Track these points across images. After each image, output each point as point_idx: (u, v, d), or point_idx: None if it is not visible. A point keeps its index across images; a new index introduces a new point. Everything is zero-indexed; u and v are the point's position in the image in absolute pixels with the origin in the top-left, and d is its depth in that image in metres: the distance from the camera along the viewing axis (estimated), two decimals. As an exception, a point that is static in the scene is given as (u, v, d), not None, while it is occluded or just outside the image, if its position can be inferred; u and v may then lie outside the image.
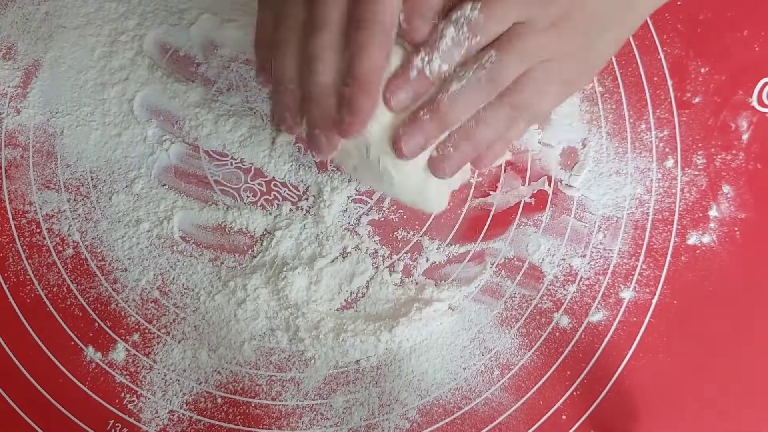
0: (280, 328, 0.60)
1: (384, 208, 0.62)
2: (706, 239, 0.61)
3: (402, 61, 0.49)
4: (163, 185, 0.62)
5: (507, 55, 0.49)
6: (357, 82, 0.47)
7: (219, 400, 0.60)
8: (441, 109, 0.49)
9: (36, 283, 0.61)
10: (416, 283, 0.61)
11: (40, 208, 0.62)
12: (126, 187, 0.62)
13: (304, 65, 0.48)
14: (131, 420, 0.60)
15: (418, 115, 0.49)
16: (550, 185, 0.62)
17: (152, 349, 0.61)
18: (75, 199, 0.62)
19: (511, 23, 0.49)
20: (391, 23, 0.47)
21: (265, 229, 0.62)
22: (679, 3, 0.62)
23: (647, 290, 0.61)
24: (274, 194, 0.62)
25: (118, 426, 0.60)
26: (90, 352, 0.61)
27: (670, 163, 0.62)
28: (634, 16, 0.54)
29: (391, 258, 0.61)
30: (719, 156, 0.62)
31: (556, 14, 0.49)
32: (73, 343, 0.61)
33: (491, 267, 0.61)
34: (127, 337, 0.61)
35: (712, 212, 0.61)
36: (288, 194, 0.62)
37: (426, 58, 0.48)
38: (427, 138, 0.50)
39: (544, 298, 0.61)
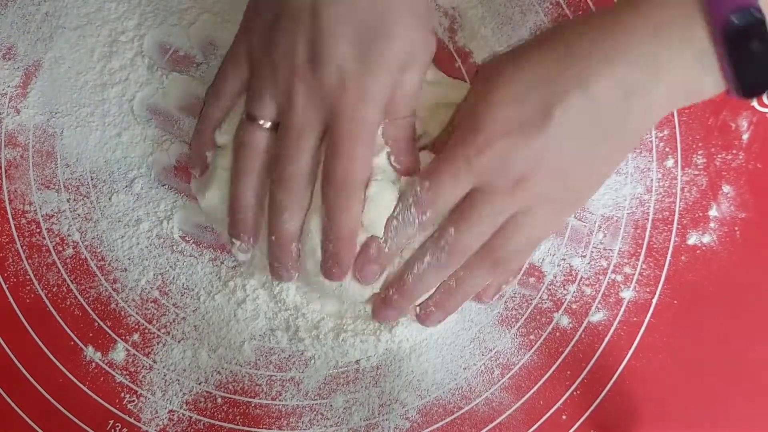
0: (279, 328, 0.60)
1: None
2: (706, 239, 0.61)
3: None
4: (163, 185, 0.62)
5: (463, 232, 0.51)
6: (341, 241, 0.52)
7: (219, 399, 0.60)
8: (408, 290, 0.54)
9: (36, 283, 0.61)
10: None
11: (40, 208, 0.62)
12: (126, 187, 0.62)
13: (269, 208, 0.53)
14: (131, 420, 0.60)
15: (388, 294, 0.54)
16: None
17: (152, 349, 0.61)
18: (75, 199, 0.62)
19: (465, 192, 0.50)
20: (365, 178, 0.51)
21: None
22: None
23: (647, 290, 0.61)
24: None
25: (118, 426, 0.60)
26: (90, 351, 0.61)
27: (670, 162, 0.62)
28: (623, 136, 0.51)
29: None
30: (719, 156, 0.62)
31: (514, 177, 0.49)
32: (72, 343, 0.60)
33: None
34: (127, 337, 0.61)
35: (713, 212, 0.61)
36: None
37: (384, 236, 0.52)
38: (400, 311, 0.55)
39: (544, 297, 0.61)
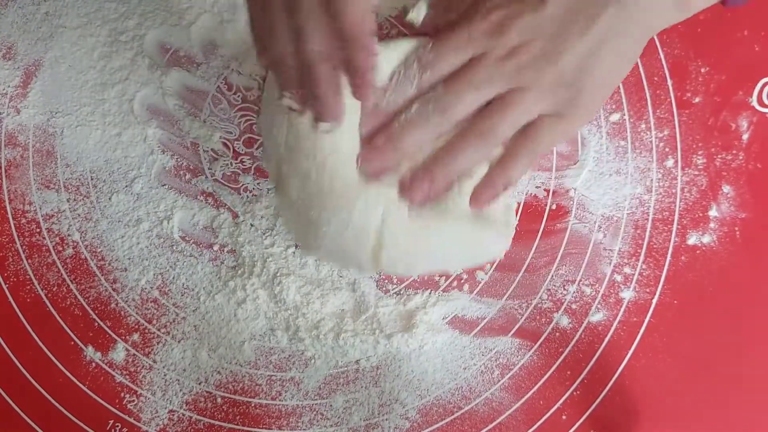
0: (279, 327, 0.60)
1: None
2: (706, 239, 0.61)
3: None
4: (163, 185, 0.62)
5: (451, 86, 0.52)
6: (349, 40, 0.49)
7: (219, 399, 0.60)
8: (393, 135, 0.53)
9: (36, 282, 0.61)
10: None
11: (40, 208, 0.62)
12: (126, 186, 0.62)
13: (294, 40, 0.50)
14: (131, 420, 0.60)
15: (376, 141, 0.54)
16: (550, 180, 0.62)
17: (152, 349, 0.61)
18: (75, 199, 0.62)
19: (465, 59, 0.52)
20: None
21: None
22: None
23: (647, 290, 0.61)
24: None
25: (118, 426, 0.60)
26: (90, 351, 0.60)
27: (670, 162, 0.62)
28: (625, 27, 0.52)
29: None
30: (719, 156, 0.62)
31: (507, 45, 0.51)
32: (72, 342, 0.60)
33: (491, 268, 0.61)
34: (127, 337, 0.61)
35: (712, 212, 0.61)
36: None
37: (381, 90, 0.53)
38: (384, 161, 0.54)
39: (544, 298, 0.61)
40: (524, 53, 0.51)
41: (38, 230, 0.62)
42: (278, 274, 0.60)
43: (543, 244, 0.61)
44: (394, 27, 0.62)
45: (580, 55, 0.51)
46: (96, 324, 0.61)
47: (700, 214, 0.61)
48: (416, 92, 0.53)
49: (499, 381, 0.60)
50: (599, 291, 0.61)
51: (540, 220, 0.61)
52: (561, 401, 0.60)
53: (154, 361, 0.60)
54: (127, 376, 0.60)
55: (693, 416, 0.59)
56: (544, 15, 0.51)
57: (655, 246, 0.61)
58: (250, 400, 0.60)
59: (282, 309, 0.60)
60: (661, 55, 0.62)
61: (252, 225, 0.61)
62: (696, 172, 0.61)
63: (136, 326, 0.61)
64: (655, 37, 0.62)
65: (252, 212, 0.62)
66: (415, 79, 0.53)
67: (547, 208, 0.62)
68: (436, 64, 0.53)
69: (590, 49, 0.51)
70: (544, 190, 0.62)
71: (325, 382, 0.60)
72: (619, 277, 0.61)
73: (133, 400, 0.60)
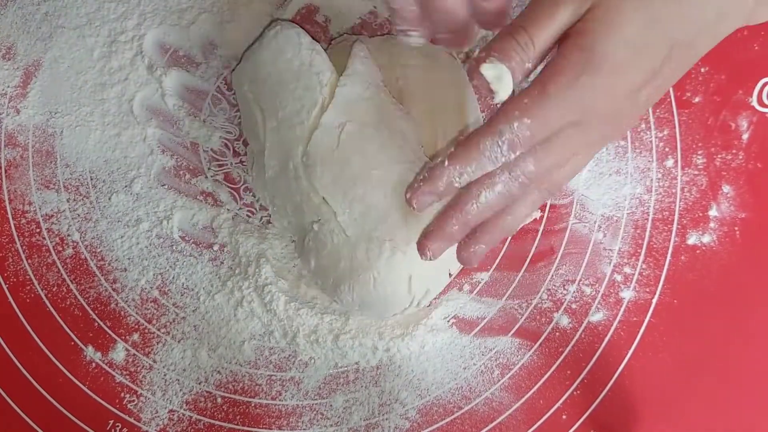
0: (277, 330, 0.60)
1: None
2: (706, 239, 0.61)
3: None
4: (163, 185, 0.62)
5: (542, 164, 0.47)
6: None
7: (219, 399, 0.60)
8: (470, 222, 0.49)
9: (36, 282, 0.61)
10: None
11: (40, 208, 0.62)
12: (125, 186, 0.62)
13: None
14: (131, 420, 0.60)
15: (445, 226, 0.50)
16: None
17: (152, 349, 0.61)
18: (74, 199, 0.62)
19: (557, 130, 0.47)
20: None
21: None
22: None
23: (647, 290, 0.60)
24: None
25: (118, 426, 0.60)
26: (90, 351, 0.61)
27: (670, 162, 0.62)
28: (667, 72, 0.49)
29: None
30: (719, 156, 0.62)
31: (606, 114, 0.47)
32: (72, 342, 0.61)
33: (491, 268, 0.61)
34: (127, 337, 0.61)
35: (712, 212, 0.61)
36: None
37: (458, 171, 0.47)
38: (452, 242, 0.51)
39: (544, 297, 0.61)
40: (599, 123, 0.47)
41: (38, 230, 0.62)
42: (268, 283, 0.60)
43: (543, 244, 0.61)
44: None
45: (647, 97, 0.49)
46: (96, 324, 0.61)
47: (700, 214, 0.61)
48: (498, 168, 0.47)
49: (499, 381, 0.60)
50: (599, 291, 0.61)
51: (540, 220, 0.61)
52: (561, 401, 0.60)
53: (154, 361, 0.60)
54: (127, 376, 0.60)
55: (693, 416, 0.59)
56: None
57: (655, 246, 0.61)
58: (250, 399, 0.60)
59: (274, 318, 0.60)
60: (661, 55, 0.62)
61: (248, 221, 0.61)
62: (696, 172, 0.61)
63: (136, 326, 0.61)
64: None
65: (251, 211, 0.62)
66: (503, 158, 0.46)
67: (547, 207, 0.62)
68: (532, 143, 0.46)
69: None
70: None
71: (325, 381, 0.60)
72: (619, 277, 0.61)
73: (133, 400, 0.60)
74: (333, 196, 0.55)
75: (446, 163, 0.48)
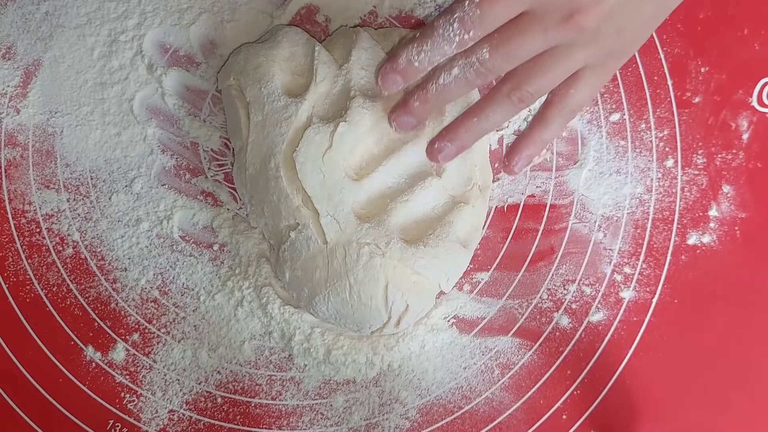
0: (276, 330, 0.60)
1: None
2: (706, 239, 0.61)
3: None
4: (163, 185, 0.62)
5: (498, 52, 0.48)
6: None
7: (219, 399, 0.60)
8: (430, 98, 0.51)
9: (35, 282, 0.61)
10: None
11: (40, 208, 0.62)
12: (126, 186, 0.62)
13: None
14: (131, 420, 0.60)
15: (409, 100, 0.52)
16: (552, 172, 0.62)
17: (152, 349, 0.61)
18: (74, 199, 0.62)
19: (515, 14, 0.47)
20: None
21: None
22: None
23: (647, 290, 0.61)
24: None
25: (117, 426, 0.60)
26: (90, 351, 0.60)
27: (670, 162, 0.62)
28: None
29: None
30: (719, 155, 0.62)
31: (570, 7, 0.46)
32: (72, 342, 0.60)
33: (492, 268, 0.61)
34: (127, 337, 0.61)
35: (713, 212, 0.61)
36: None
37: (416, 49, 0.49)
38: (418, 120, 0.53)
39: (544, 297, 0.61)
40: (585, 17, 0.46)
41: (38, 230, 0.62)
42: (267, 284, 0.60)
43: (543, 244, 0.61)
44: (395, 27, 0.63)
45: (646, 19, 0.49)
46: (96, 324, 0.61)
47: (700, 214, 0.61)
48: (456, 51, 0.48)
49: (499, 380, 0.60)
50: (599, 290, 0.61)
51: (540, 220, 0.61)
52: (561, 401, 0.60)
53: (154, 361, 0.60)
54: (127, 376, 0.60)
55: (693, 415, 0.59)
56: None
57: (655, 246, 0.61)
58: (250, 399, 0.60)
59: (271, 319, 0.60)
60: (661, 55, 0.62)
61: (248, 220, 0.61)
62: (696, 172, 0.61)
63: (136, 326, 0.61)
64: (655, 36, 0.62)
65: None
66: (456, 37, 0.47)
67: (547, 207, 0.62)
68: (483, 23, 0.47)
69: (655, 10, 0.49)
70: (544, 190, 0.62)
71: (325, 381, 0.60)
72: (619, 277, 0.61)
73: (133, 400, 0.60)
74: (319, 198, 0.54)
75: (406, 42, 0.50)
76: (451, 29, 0.47)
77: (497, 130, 0.61)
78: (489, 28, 0.47)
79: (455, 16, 0.47)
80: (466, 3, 0.47)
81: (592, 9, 0.46)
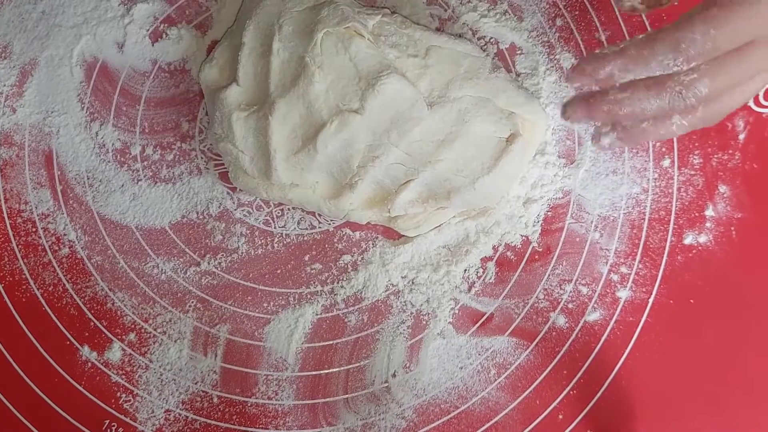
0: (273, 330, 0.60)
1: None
2: (702, 239, 0.61)
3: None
4: (160, 185, 0.62)
5: (716, 85, 0.44)
6: None
7: (215, 399, 0.60)
8: (612, 109, 0.46)
9: (31, 282, 0.61)
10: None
11: (36, 208, 0.62)
12: (122, 186, 0.62)
13: None
14: (127, 419, 0.60)
15: (593, 96, 0.46)
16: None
17: (148, 349, 0.61)
18: (71, 198, 0.62)
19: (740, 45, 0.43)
20: None
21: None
22: (676, 2, 0.62)
23: (644, 290, 0.61)
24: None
25: (113, 426, 0.59)
26: (86, 351, 0.60)
27: (666, 162, 0.62)
28: None
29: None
30: (716, 156, 0.62)
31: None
32: (68, 342, 0.60)
33: (493, 267, 0.61)
34: (123, 337, 0.61)
35: (709, 212, 0.61)
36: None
37: (625, 66, 0.44)
38: (589, 114, 0.47)
39: (541, 297, 0.61)
40: None
41: (34, 230, 0.62)
42: None
43: (540, 244, 0.61)
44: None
45: None
46: (92, 324, 0.61)
47: (697, 214, 0.61)
48: (662, 73, 0.44)
49: (495, 380, 0.60)
50: (596, 290, 0.61)
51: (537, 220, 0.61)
52: (557, 401, 0.59)
53: (150, 361, 0.60)
54: (123, 376, 0.60)
55: (689, 415, 0.59)
56: None
57: (651, 245, 0.61)
58: (246, 399, 0.60)
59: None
60: (658, 55, 0.62)
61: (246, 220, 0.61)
62: (692, 172, 0.62)
63: (132, 326, 0.61)
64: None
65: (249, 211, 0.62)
66: (675, 67, 0.43)
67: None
68: (706, 55, 0.43)
69: None
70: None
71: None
72: (615, 277, 0.61)
73: (129, 400, 0.60)
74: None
75: (615, 52, 0.44)
76: (673, 60, 0.43)
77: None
78: (710, 57, 0.43)
79: (681, 47, 0.43)
80: (698, 36, 0.42)
81: None
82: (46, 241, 0.61)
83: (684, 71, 0.44)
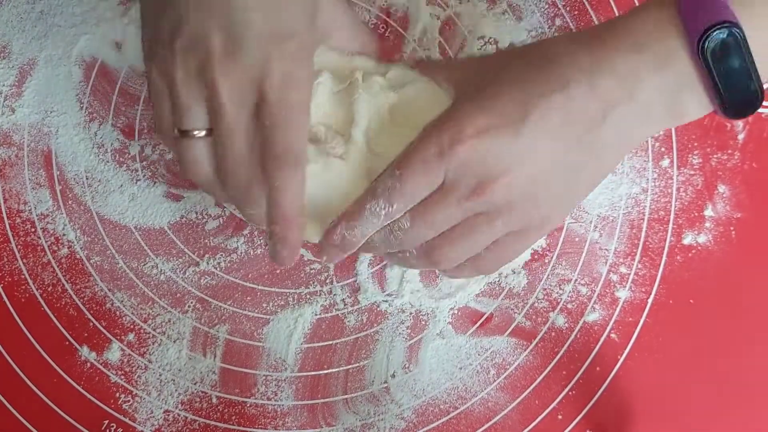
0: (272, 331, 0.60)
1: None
2: (701, 239, 0.61)
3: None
4: (160, 185, 0.62)
5: (417, 226, 0.49)
6: (285, 221, 0.48)
7: (214, 399, 0.60)
8: (349, 247, 0.51)
9: (30, 282, 0.61)
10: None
11: (35, 208, 0.62)
12: (121, 186, 0.62)
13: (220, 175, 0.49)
14: (126, 420, 0.60)
15: (332, 239, 0.51)
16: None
17: (147, 349, 0.60)
18: (70, 199, 0.62)
19: (436, 185, 0.48)
20: (303, 150, 0.48)
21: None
22: None
23: (643, 290, 0.61)
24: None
25: (113, 426, 0.59)
26: (85, 351, 0.60)
27: (666, 162, 0.62)
28: (598, 151, 0.48)
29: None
30: (715, 155, 0.62)
31: (482, 176, 0.47)
32: (67, 342, 0.60)
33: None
34: (122, 337, 0.61)
35: (708, 212, 0.61)
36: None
37: (349, 225, 0.50)
38: (336, 259, 0.53)
39: (540, 297, 0.61)
40: (499, 185, 0.47)
41: (33, 230, 0.62)
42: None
43: (539, 244, 0.61)
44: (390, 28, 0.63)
45: (559, 187, 0.49)
46: (91, 324, 0.61)
47: (696, 214, 0.61)
48: (384, 224, 0.50)
49: (494, 381, 0.60)
50: (595, 290, 0.61)
51: (536, 219, 0.61)
52: (557, 401, 0.60)
53: (150, 361, 0.60)
54: (122, 376, 0.60)
55: (688, 416, 0.59)
56: (523, 137, 0.47)
57: (650, 245, 0.61)
58: (245, 400, 0.60)
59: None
60: (657, 55, 0.62)
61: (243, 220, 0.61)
62: (692, 172, 0.62)
63: (132, 326, 0.61)
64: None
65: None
66: (382, 211, 0.49)
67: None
68: (405, 196, 0.49)
69: (569, 181, 0.49)
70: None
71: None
72: (614, 277, 0.61)
73: (128, 400, 0.60)
74: None
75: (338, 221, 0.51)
76: (377, 204, 0.49)
77: None
78: (412, 201, 0.49)
79: (378, 191, 0.49)
80: (388, 178, 0.49)
81: (499, 181, 0.47)
82: (45, 241, 0.61)
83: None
